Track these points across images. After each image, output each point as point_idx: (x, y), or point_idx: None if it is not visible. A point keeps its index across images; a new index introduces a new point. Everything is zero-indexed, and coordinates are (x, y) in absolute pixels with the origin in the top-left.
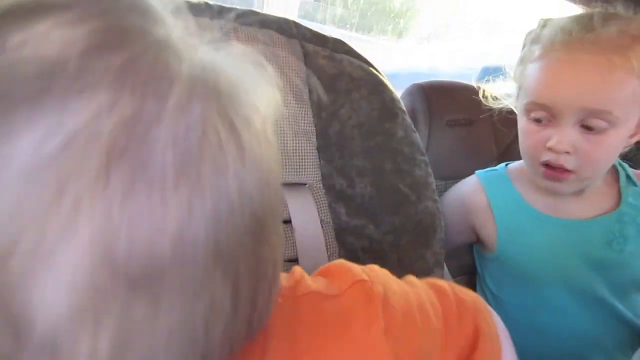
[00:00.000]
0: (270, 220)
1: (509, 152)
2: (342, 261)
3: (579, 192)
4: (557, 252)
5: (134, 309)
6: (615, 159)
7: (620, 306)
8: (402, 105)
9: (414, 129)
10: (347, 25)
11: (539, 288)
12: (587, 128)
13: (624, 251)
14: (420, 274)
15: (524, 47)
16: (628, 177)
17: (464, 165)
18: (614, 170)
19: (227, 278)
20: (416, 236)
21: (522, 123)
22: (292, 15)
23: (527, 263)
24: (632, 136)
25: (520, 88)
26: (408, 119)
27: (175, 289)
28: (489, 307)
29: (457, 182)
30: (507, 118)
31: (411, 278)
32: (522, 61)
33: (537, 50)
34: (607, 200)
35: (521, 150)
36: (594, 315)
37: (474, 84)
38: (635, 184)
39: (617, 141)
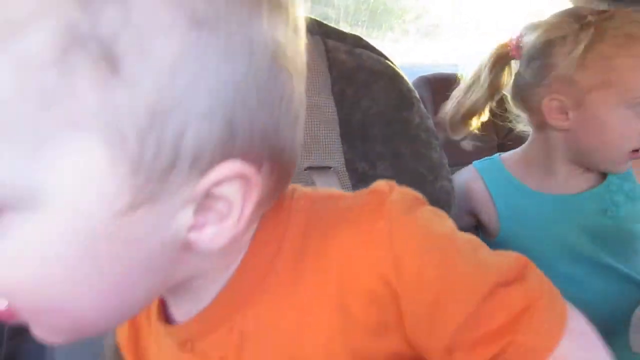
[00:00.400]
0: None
1: (508, 138)
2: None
3: (572, 170)
4: (557, 227)
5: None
6: None
7: (626, 269)
8: (417, 94)
9: (429, 115)
10: (359, 23)
11: (547, 262)
12: None
13: (618, 217)
14: None
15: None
16: None
17: (467, 153)
18: None
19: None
20: None
21: (615, 117)
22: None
23: (530, 240)
24: None
25: (608, 84)
26: (423, 107)
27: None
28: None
29: (460, 168)
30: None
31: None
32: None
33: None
34: (595, 174)
35: (608, 142)
36: (604, 281)
37: None
38: None
39: None
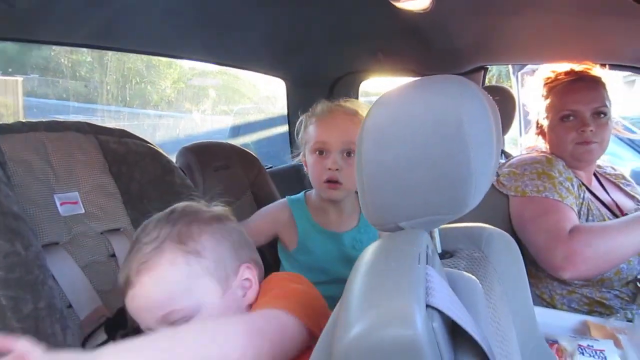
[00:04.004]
0: None
1: (256, 180)
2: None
3: (341, 212)
4: (329, 254)
5: None
6: None
7: None
8: (174, 163)
9: (185, 176)
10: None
11: (326, 269)
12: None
13: (364, 242)
14: None
15: (304, 123)
16: None
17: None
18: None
19: None
20: None
21: (311, 160)
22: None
23: (315, 255)
24: None
25: (305, 143)
26: (180, 172)
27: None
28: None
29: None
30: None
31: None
32: (305, 127)
33: (314, 118)
34: (354, 218)
35: (313, 177)
36: None
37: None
38: None
39: None
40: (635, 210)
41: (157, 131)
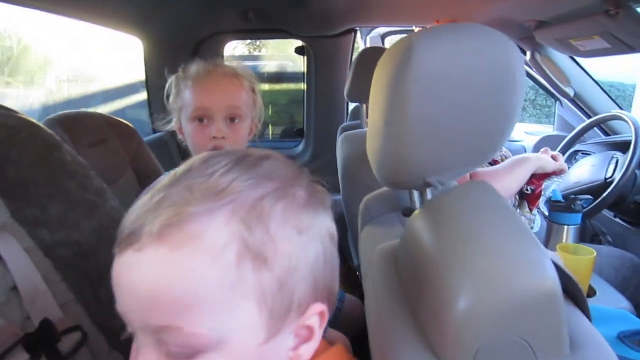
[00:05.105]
0: None
1: (136, 155)
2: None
3: None
4: None
5: None
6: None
7: None
8: (58, 137)
9: (74, 152)
10: None
11: None
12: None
13: None
14: None
15: (175, 86)
16: None
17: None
18: None
19: None
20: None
21: (191, 128)
22: None
23: None
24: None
25: (180, 109)
26: (67, 146)
27: None
28: None
29: None
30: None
31: None
32: (178, 91)
33: (189, 81)
34: None
35: (195, 147)
36: None
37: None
38: None
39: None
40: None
41: None
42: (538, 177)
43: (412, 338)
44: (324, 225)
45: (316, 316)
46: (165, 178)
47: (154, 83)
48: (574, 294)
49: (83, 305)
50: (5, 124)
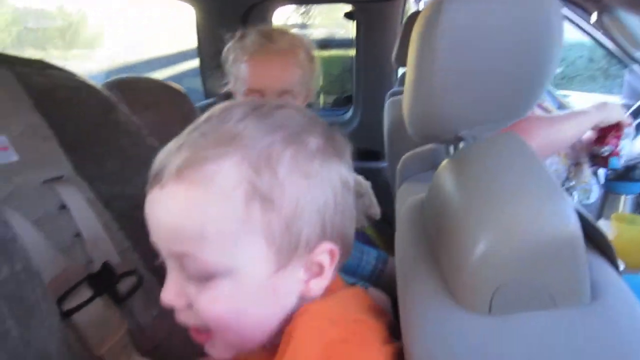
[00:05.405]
0: None
1: (187, 119)
2: None
3: None
4: None
5: None
6: None
7: None
8: (114, 98)
9: (129, 113)
10: None
11: None
12: None
13: None
14: None
15: (232, 50)
16: None
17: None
18: None
19: None
20: None
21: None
22: None
23: None
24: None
25: (236, 78)
26: (123, 108)
27: None
28: None
29: None
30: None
31: None
32: (235, 60)
33: (245, 55)
34: None
35: None
36: None
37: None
38: None
39: None
40: None
41: None
42: (610, 134)
43: (433, 286)
44: (336, 172)
45: (326, 254)
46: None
47: (206, 49)
48: (601, 244)
49: (139, 252)
50: (66, 86)
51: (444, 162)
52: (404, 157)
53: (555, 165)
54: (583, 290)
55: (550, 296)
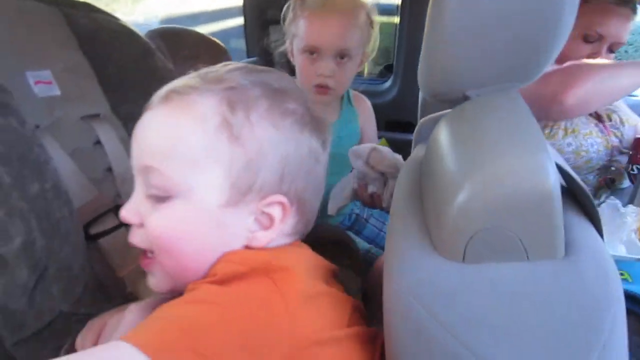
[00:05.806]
0: None
1: None
2: None
3: (324, 105)
4: None
5: None
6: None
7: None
8: (152, 44)
9: (166, 61)
10: None
11: None
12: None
13: (342, 137)
14: None
15: (292, 7)
16: (348, 97)
17: None
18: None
19: None
20: None
21: (300, 60)
22: None
23: None
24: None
25: (294, 36)
26: (160, 55)
27: None
28: None
29: None
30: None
31: None
32: (295, 16)
33: (306, 11)
34: (336, 111)
35: (302, 79)
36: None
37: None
38: (350, 103)
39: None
40: None
41: None
42: None
43: (418, 237)
44: (307, 139)
45: (277, 206)
46: None
47: (251, 7)
48: (584, 202)
49: None
50: (109, 28)
51: (443, 118)
52: (421, 120)
53: (597, 145)
54: (556, 245)
55: (524, 249)
